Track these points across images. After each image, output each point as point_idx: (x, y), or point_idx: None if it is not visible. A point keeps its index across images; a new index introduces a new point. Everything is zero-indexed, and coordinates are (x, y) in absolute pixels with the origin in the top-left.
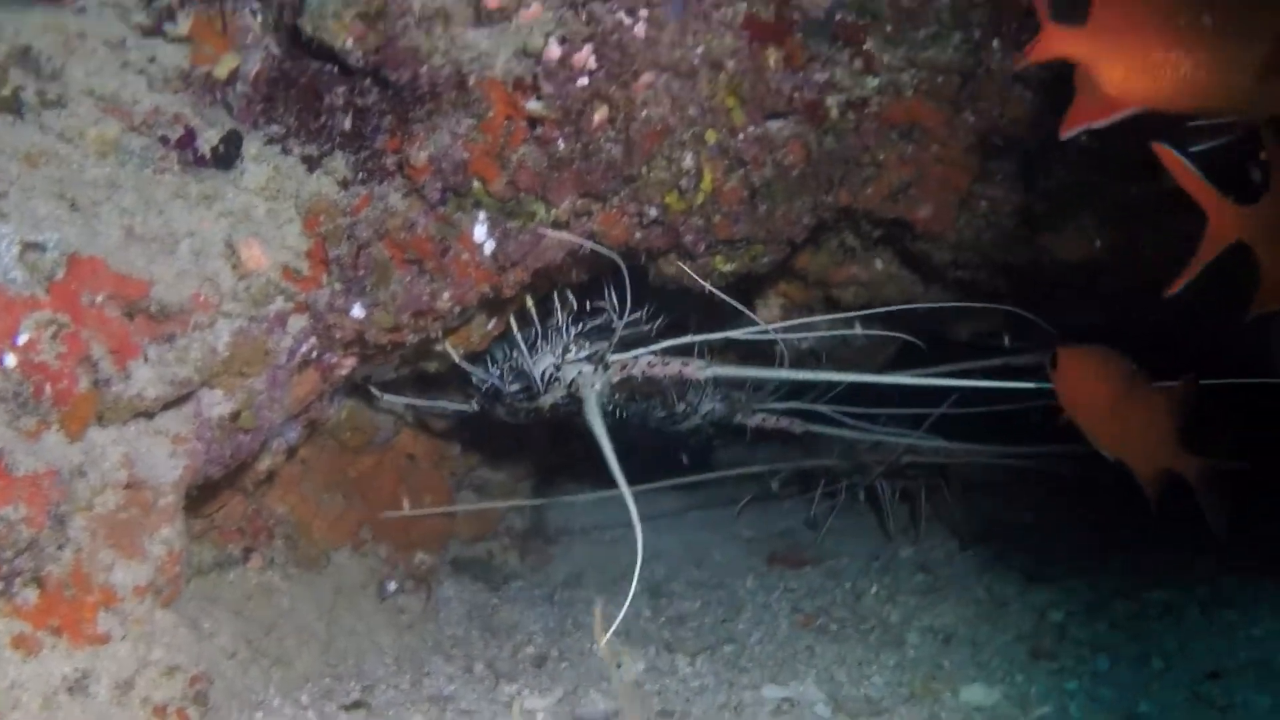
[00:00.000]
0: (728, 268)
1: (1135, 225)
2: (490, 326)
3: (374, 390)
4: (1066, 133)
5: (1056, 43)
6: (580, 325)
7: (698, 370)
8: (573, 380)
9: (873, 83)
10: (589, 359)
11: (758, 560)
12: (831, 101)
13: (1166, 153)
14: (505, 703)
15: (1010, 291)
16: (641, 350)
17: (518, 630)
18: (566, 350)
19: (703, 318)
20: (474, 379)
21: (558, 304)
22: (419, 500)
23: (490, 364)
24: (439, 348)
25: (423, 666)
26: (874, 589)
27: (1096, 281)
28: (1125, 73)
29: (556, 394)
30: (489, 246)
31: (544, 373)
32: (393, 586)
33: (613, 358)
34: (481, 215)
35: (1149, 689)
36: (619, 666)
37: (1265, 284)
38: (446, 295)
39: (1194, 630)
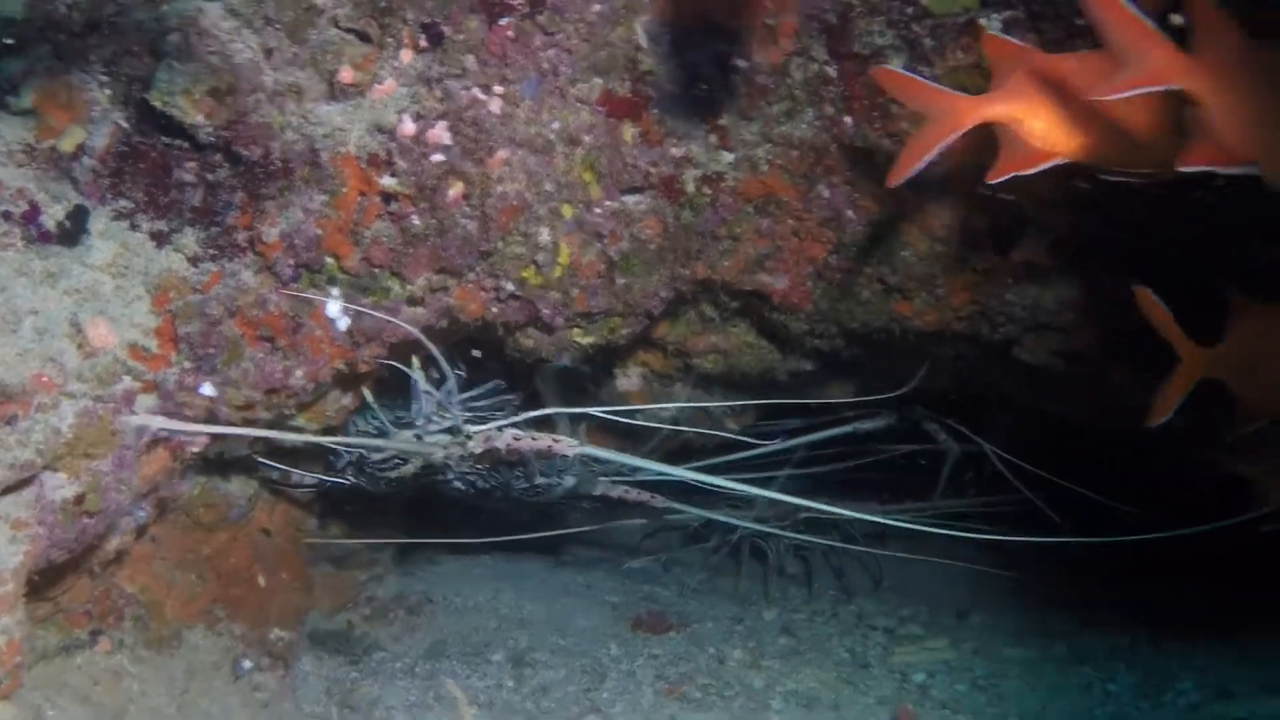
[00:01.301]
0: (586, 340)
1: (990, 291)
2: (345, 401)
3: (257, 457)
4: (994, 179)
5: (982, 108)
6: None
7: (568, 448)
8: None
9: (728, 158)
10: (448, 430)
11: (622, 626)
12: (688, 176)
13: (1144, 295)
14: None
15: (866, 359)
16: (504, 421)
17: (378, 706)
18: (427, 420)
19: (563, 389)
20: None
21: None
22: (275, 576)
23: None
24: (293, 423)
25: None
26: (737, 654)
27: (950, 348)
28: (1046, 127)
29: (417, 464)
30: (343, 323)
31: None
32: (248, 665)
33: (475, 430)
34: (335, 292)
35: None
36: None
37: (1241, 409)
38: (300, 373)
39: (1054, 689)
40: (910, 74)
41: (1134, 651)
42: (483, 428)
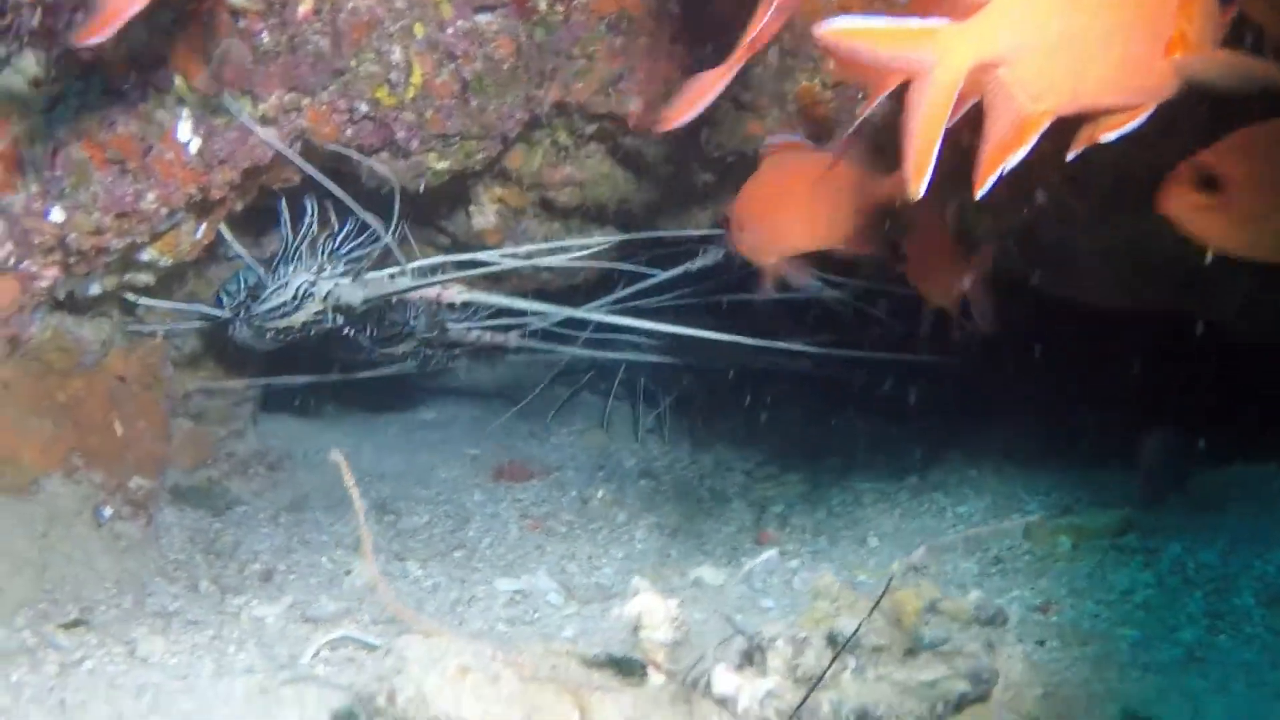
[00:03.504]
0: (442, 165)
1: (842, 107)
2: (200, 235)
3: (129, 296)
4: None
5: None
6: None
7: (457, 294)
8: (328, 294)
9: None
10: (348, 274)
11: (484, 476)
12: None
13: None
14: (233, 613)
15: (719, 184)
16: (411, 265)
17: (242, 550)
18: (323, 265)
19: (414, 224)
20: (223, 293)
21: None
22: (133, 426)
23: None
24: (145, 256)
25: (145, 588)
26: (600, 493)
27: None
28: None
29: (310, 311)
30: (194, 145)
31: (299, 288)
32: (109, 512)
33: (371, 275)
34: (185, 113)
35: (866, 563)
36: (348, 574)
37: None
38: (151, 196)
39: (907, 513)
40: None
41: (981, 481)
42: (378, 273)
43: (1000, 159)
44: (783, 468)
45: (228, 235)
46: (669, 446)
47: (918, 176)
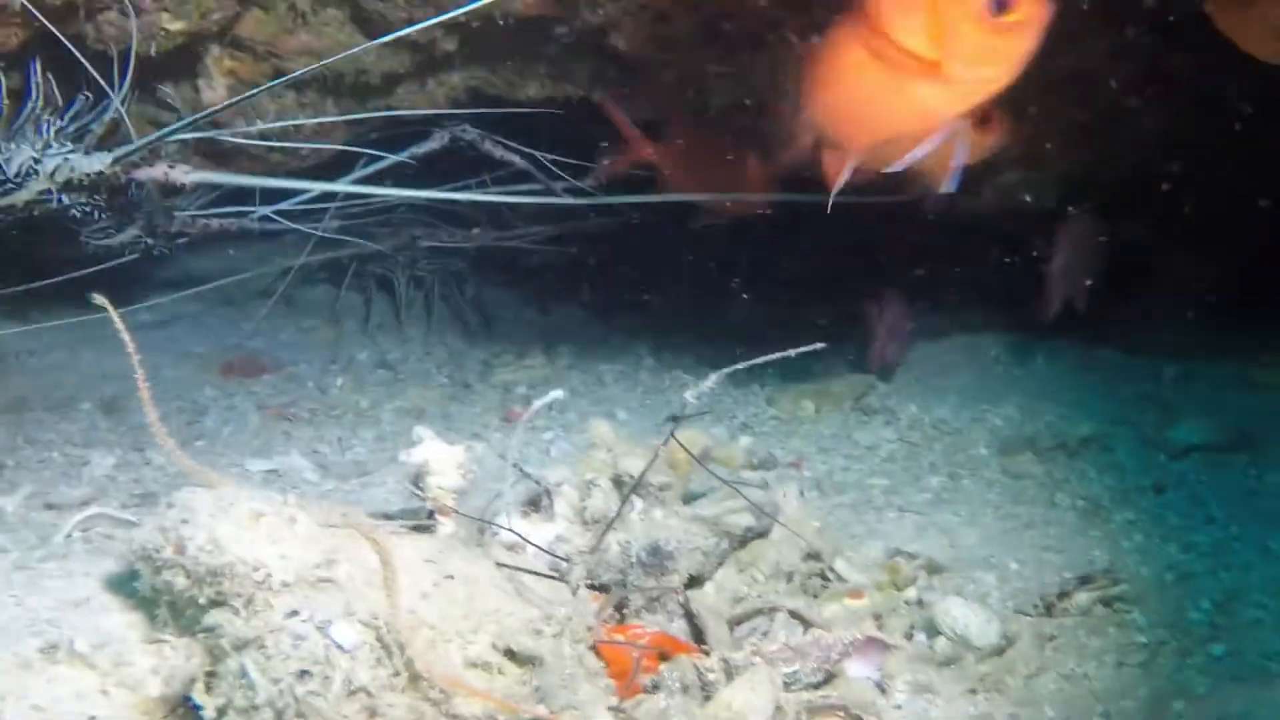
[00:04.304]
0: (176, 25)
1: None
2: None
3: None
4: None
5: None
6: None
7: (183, 175)
8: (55, 170)
9: None
10: (78, 148)
11: (212, 373)
12: None
13: None
14: None
15: (459, 51)
16: (151, 137)
17: None
18: (49, 141)
19: (139, 93)
20: None
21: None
22: None
23: None
24: None
25: None
26: (339, 382)
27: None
28: None
29: (34, 190)
30: None
31: (21, 164)
32: None
33: (119, 153)
34: None
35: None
36: (85, 465)
37: None
38: None
39: (650, 389)
40: None
41: (717, 359)
42: (123, 151)
43: None
44: (519, 357)
45: None
46: (401, 341)
47: None
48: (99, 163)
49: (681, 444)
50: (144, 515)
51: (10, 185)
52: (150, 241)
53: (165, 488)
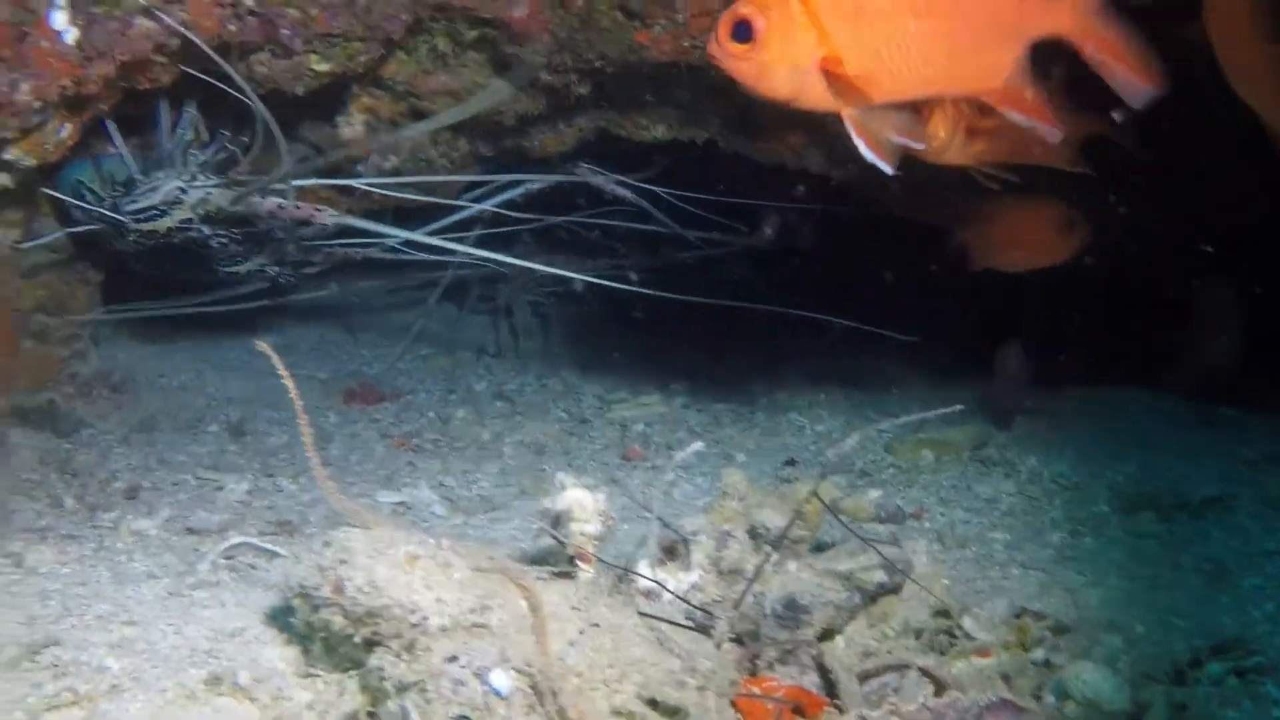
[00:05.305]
0: (323, 67)
1: None
2: (65, 134)
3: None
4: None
5: None
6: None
7: (328, 218)
8: (199, 202)
9: None
10: (223, 182)
11: (335, 399)
12: None
13: None
14: (110, 526)
15: (594, 99)
16: (285, 173)
17: (100, 470)
18: (195, 173)
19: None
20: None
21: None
22: None
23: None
24: (8, 154)
25: (5, 505)
26: (460, 413)
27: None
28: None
29: (177, 217)
30: (71, 35)
31: (168, 193)
32: None
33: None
34: (61, 0)
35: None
36: (219, 490)
37: None
38: (26, 87)
39: (766, 431)
40: None
41: (832, 403)
42: (264, 181)
43: None
44: (633, 393)
45: (112, 129)
46: (516, 370)
47: None
48: (241, 200)
49: (824, 502)
50: (286, 545)
51: (155, 212)
52: (277, 270)
53: (299, 516)
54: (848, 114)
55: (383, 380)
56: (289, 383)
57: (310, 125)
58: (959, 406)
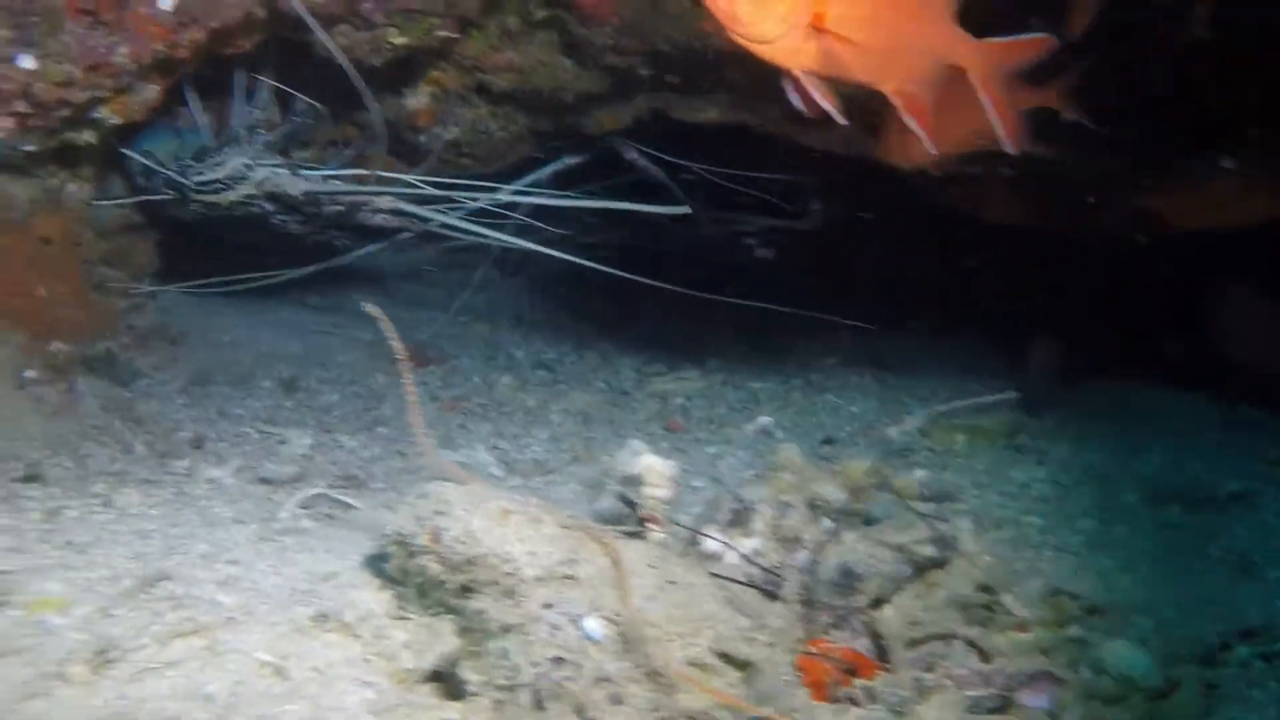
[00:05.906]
0: (400, 40)
1: None
2: (151, 96)
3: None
4: None
5: None
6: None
7: (388, 203)
8: (263, 181)
9: None
10: (287, 170)
11: (381, 361)
12: None
13: None
14: (183, 473)
15: (653, 81)
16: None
17: (163, 419)
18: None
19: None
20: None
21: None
22: (54, 289)
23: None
24: (97, 113)
25: (78, 450)
26: (505, 379)
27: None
28: None
29: (241, 192)
30: (167, 1)
31: (234, 169)
32: (30, 374)
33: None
34: None
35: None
36: (282, 443)
37: None
38: (124, 50)
39: (803, 410)
40: None
41: (865, 386)
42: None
43: None
44: (670, 368)
45: (192, 96)
46: (551, 340)
47: None
48: (303, 183)
49: (893, 481)
50: (356, 498)
51: (220, 185)
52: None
53: (364, 472)
54: (807, 69)
55: (428, 344)
56: (396, 345)
57: (377, 96)
58: (1011, 393)
